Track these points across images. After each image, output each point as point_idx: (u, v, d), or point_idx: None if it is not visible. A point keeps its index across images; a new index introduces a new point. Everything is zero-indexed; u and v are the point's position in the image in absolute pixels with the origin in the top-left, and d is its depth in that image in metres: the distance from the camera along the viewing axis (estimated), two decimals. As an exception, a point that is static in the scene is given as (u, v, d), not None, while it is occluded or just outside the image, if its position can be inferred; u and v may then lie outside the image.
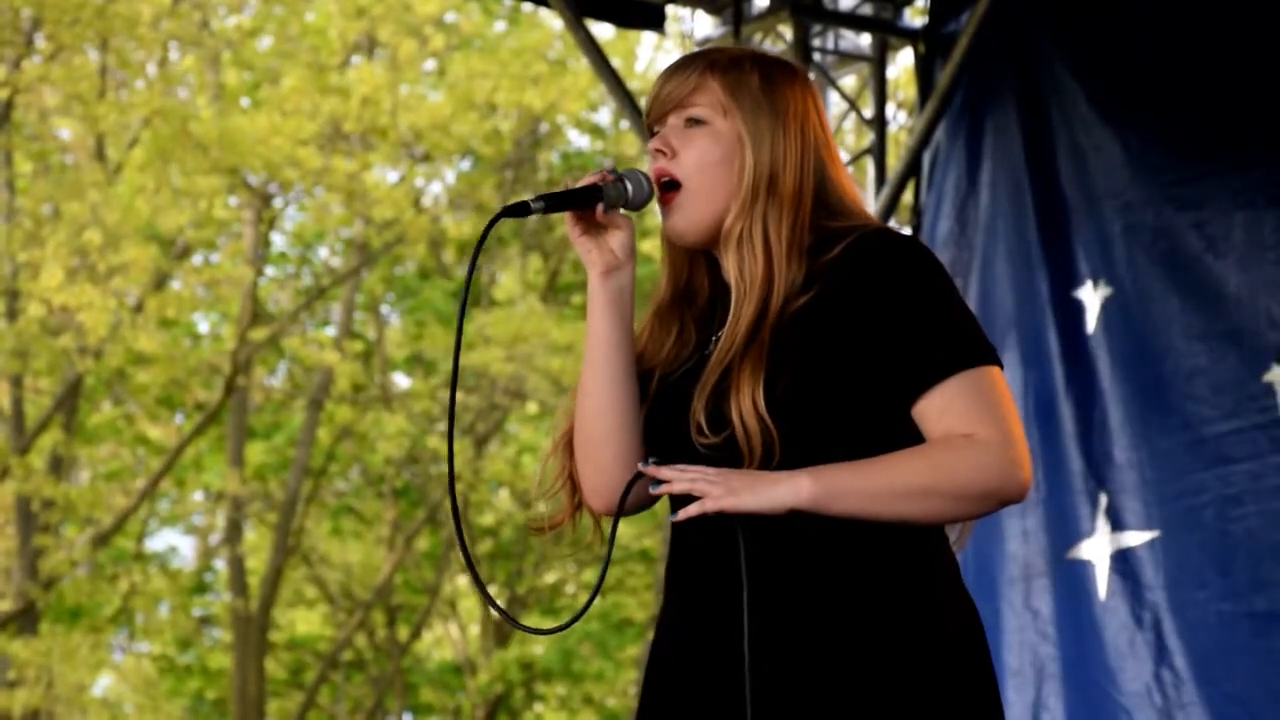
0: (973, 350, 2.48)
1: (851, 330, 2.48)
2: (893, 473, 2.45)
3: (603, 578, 2.54)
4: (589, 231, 2.60)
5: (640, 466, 2.50)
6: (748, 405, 2.45)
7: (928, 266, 2.51)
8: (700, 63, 2.61)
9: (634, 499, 2.58)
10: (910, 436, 2.49)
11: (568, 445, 2.66)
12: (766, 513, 2.44)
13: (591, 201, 2.57)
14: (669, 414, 2.58)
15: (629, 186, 2.58)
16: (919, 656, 2.45)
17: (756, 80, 2.59)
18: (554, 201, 2.58)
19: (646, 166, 2.64)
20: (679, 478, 2.46)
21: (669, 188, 2.60)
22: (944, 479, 2.45)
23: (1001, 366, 2.51)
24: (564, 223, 2.63)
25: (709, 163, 2.57)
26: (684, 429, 2.52)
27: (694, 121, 2.60)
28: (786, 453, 2.46)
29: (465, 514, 17.85)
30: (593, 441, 2.62)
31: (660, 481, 2.48)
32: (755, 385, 2.46)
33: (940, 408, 2.46)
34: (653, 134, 2.65)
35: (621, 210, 2.60)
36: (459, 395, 17.52)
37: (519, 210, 2.54)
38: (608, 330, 2.60)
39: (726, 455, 2.48)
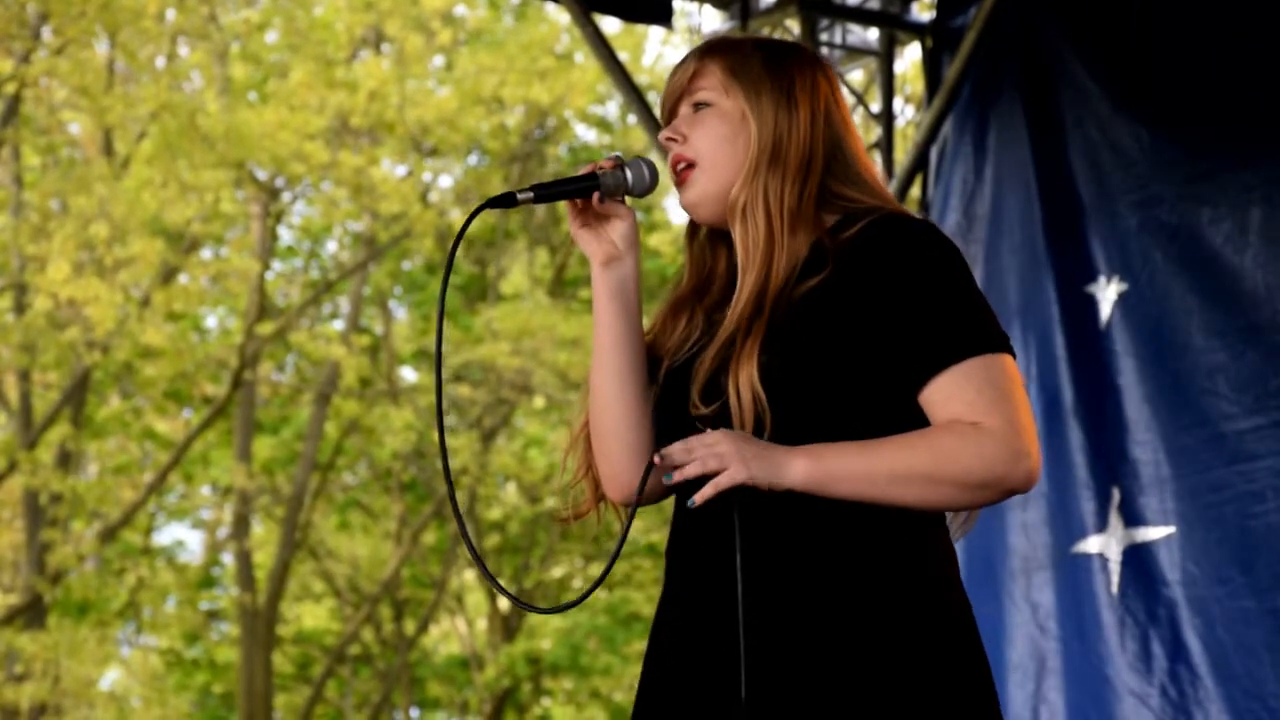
0: (983, 337, 2.45)
1: (861, 312, 2.46)
2: (893, 457, 2.42)
3: (612, 563, 2.48)
4: (588, 224, 2.60)
5: (655, 458, 2.45)
6: (744, 377, 2.44)
7: (942, 251, 2.49)
8: (701, 49, 2.66)
9: (651, 488, 2.52)
10: (912, 421, 2.46)
11: (586, 438, 2.66)
12: (768, 488, 2.42)
13: (587, 190, 2.57)
14: (672, 392, 2.57)
15: (629, 174, 2.58)
16: (911, 640, 2.43)
17: (758, 59, 2.62)
18: (545, 191, 2.55)
19: (655, 156, 2.65)
20: (688, 459, 2.43)
21: (686, 169, 2.62)
22: (945, 465, 2.42)
23: (1014, 355, 2.48)
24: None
25: (717, 140, 2.59)
26: (684, 404, 2.52)
27: (700, 105, 2.62)
28: (776, 428, 2.44)
29: (472, 508, 17.84)
30: (603, 434, 2.61)
31: (673, 470, 2.44)
32: (753, 357, 2.45)
33: (946, 393, 2.44)
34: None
35: (624, 199, 2.60)
36: (465, 390, 17.50)
37: (505, 202, 2.53)
38: (611, 321, 2.60)
39: (718, 427, 2.46)
